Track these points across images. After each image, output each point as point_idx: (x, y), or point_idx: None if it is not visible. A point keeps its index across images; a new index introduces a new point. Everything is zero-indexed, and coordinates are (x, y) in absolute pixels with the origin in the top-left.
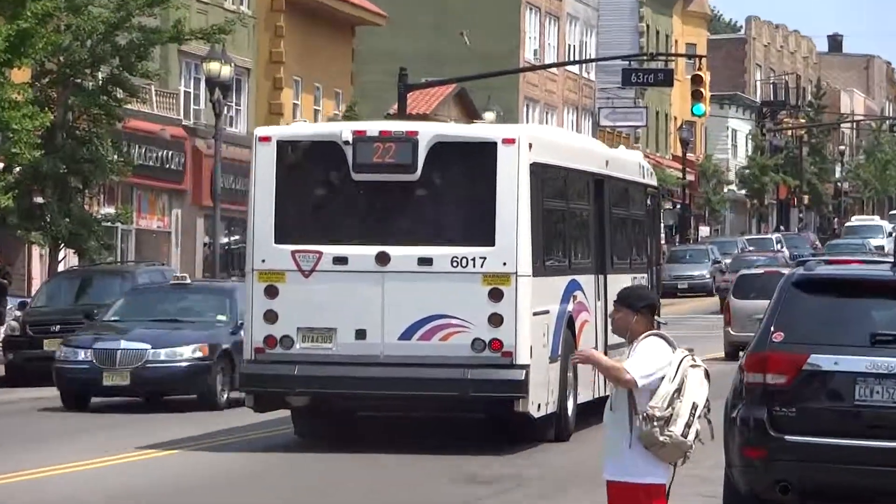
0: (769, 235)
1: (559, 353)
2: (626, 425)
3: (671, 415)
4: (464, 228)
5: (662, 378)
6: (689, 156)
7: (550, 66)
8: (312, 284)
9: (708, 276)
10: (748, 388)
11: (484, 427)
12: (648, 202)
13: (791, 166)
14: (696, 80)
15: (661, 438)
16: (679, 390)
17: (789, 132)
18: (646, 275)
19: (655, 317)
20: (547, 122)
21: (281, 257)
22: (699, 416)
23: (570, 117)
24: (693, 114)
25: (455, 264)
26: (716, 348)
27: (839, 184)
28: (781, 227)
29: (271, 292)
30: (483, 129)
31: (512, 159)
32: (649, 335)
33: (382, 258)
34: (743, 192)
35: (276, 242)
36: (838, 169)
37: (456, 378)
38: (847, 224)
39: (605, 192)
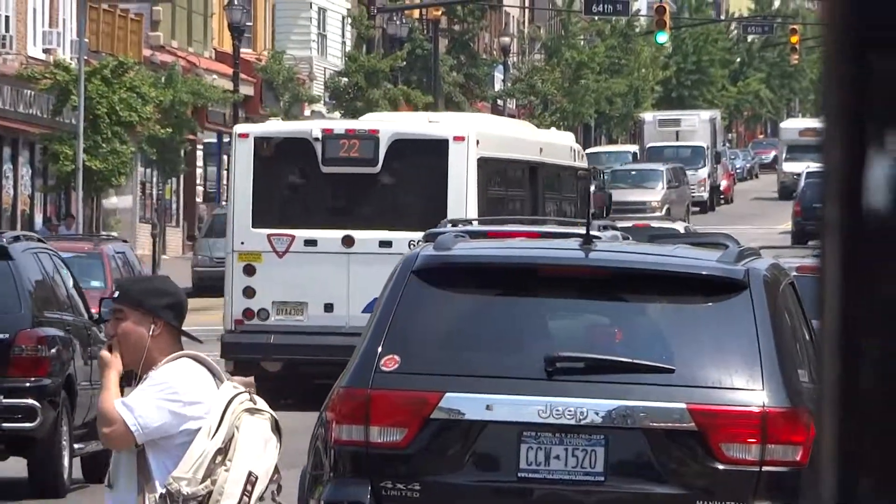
0: None
1: None
2: None
3: (209, 493)
4: (420, 215)
5: (196, 430)
6: (246, 52)
7: None
8: (286, 264)
9: None
10: (339, 451)
11: None
12: (578, 185)
13: (421, 72)
14: None
15: None
16: (224, 452)
17: (415, 14)
18: None
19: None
20: None
21: (258, 240)
22: (260, 498)
23: None
24: None
25: (412, 246)
26: None
27: (502, 102)
28: None
29: (249, 271)
30: (436, 128)
31: (461, 154)
32: (179, 357)
33: (348, 241)
34: (338, 114)
35: (253, 227)
36: (499, 77)
37: None
38: None
39: (539, 177)
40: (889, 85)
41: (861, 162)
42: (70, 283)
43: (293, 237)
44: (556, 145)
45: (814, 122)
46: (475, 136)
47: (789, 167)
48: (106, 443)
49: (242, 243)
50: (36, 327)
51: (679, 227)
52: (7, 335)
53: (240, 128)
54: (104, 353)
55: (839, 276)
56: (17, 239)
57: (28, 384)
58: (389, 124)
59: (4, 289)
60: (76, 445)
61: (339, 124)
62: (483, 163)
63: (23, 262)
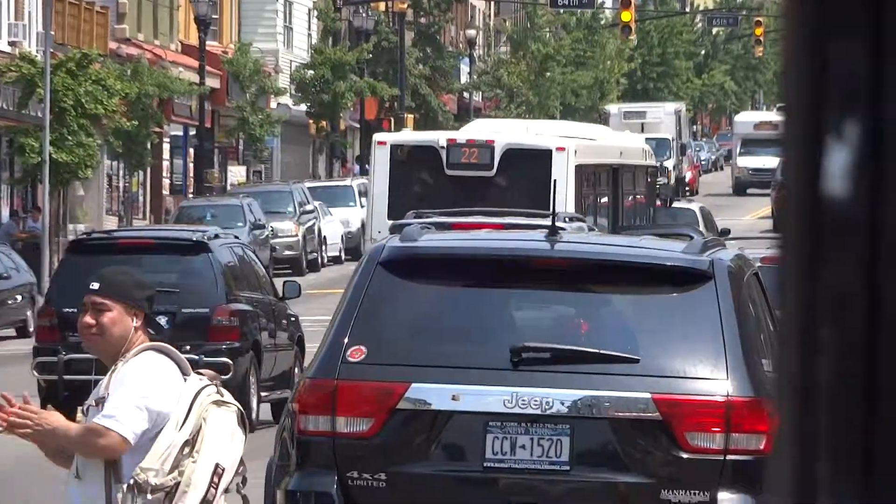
0: (348, 182)
1: None
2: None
3: (176, 484)
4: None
5: (163, 422)
6: (212, 45)
7: None
8: None
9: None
10: (304, 442)
11: None
12: (648, 179)
13: (387, 64)
14: None
15: None
16: (192, 444)
17: (381, 6)
18: None
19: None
20: None
21: None
22: (226, 490)
23: None
24: None
25: None
26: None
27: (467, 94)
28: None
29: None
30: (542, 140)
31: (563, 162)
32: (145, 349)
33: None
34: (304, 107)
35: (388, 219)
36: (465, 70)
37: None
38: None
39: (620, 177)
40: (847, 74)
41: (819, 152)
42: (260, 269)
43: None
44: (632, 148)
45: (770, 115)
46: (574, 146)
47: (744, 162)
48: (102, 454)
49: (379, 232)
50: (230, 303)
51: (695, 207)
52: (207, 310)
53: (379, 136)
54: (49, 418)
55: (797, 266)
56: (216, 236)
57: (224, 347)
58: (503, 136)
59: (205, 274)
60: (262, 393)
61: (461, 135)
62: (579, 168)
63: (219, 254)
